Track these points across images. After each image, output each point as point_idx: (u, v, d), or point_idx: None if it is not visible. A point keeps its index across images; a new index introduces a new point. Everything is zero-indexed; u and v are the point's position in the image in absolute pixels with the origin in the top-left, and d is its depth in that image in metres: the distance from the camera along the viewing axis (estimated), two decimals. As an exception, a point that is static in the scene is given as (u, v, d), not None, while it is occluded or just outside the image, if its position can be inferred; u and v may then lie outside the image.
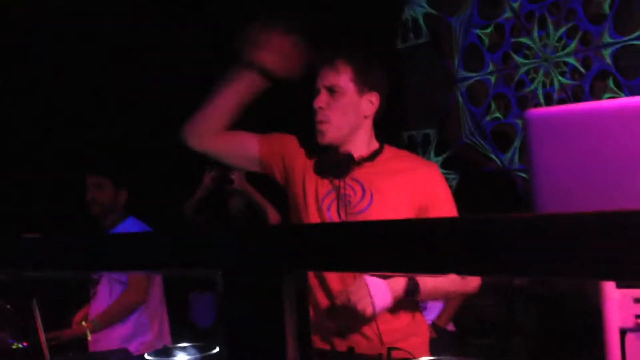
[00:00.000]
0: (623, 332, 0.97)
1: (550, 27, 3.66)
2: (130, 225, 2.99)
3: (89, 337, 2.75)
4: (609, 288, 0.98)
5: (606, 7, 3.41)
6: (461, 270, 0.68)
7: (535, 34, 3.73)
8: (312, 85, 1.81)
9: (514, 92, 3.86)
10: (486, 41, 3.98)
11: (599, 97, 3.46)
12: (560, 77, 3.64)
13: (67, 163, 4.04)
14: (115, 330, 2.85)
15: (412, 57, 4.40)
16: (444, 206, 1.76)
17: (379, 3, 4.40)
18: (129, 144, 4.31)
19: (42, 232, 2.71)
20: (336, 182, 1.79)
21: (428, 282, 1.68)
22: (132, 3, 4.56)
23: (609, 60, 3.42)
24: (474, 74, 4.06)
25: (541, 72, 3.73)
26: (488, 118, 4.01)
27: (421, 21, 4.36)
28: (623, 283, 1.01)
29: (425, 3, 4.33)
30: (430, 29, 4.30)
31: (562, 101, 3.64)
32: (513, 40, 3.84)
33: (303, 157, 1.87)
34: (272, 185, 1.96)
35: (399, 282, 1.64)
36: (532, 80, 3.77)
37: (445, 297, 1.82)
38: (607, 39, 3.42)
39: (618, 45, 3.39)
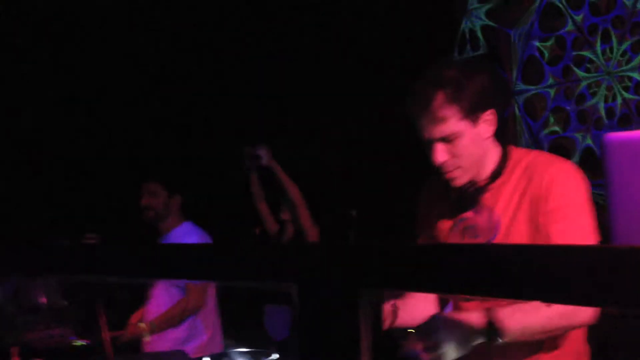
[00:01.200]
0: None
1: (614, 40, 3.58)
2: (185, 230, 3.05)
3: (148, 339, 2.82)
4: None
5: (674, 21, 3.31)
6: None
7: (598, 48, 3.65)
8: (414, 132, 1.67)
9: (574, 106, 3.78)
10: (546, 54, 3.92)
11: (664, 114, 3.36)
12: (623, 92, 3.55)
13: (124, 170, 4.15)
14: (170, 332, 2.91)
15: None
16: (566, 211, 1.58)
17: (436, 15, 4.38)
18: (183, 151, 4.40)
19: (101, 236, 2.79)
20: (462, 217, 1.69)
21: (515, 318, 1.47)
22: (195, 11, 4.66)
23: (675, 76, 3.32)
24: (533, 87, 4.00)
25: (603, 86, 3.64)
26: (546, 131, 3.94)
27: (479, 33, 4.31)
28: None
29: (483, 15, 4.29)
30: (488, 41, 4.25)
31: (624, 116, 3.55)
32: (575, 53, 3.76)
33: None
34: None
35: (472, 319, 1.48)
36: (594, 95, 3.69)
37: (546, 333, 1.51)
38: (674, 53, 3.33)
39: (686, 61, 3.29)
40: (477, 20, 4.32)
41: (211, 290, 3.07)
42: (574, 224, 1.58)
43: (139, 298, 3.07)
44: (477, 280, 0.68)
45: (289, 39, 4.71)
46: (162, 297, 2.96)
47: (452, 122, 1.58)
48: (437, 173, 1.67)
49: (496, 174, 1.67)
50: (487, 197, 1.67)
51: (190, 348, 2.91)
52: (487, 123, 1.64)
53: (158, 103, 4.70)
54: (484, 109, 1.62)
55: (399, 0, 4.45)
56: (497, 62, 4.17)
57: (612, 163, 0.97)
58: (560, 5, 3.83)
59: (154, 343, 2.86)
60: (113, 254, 0.97)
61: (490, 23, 4.23)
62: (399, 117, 4.42)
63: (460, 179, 1.65)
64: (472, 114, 1.59)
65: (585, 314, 1.53)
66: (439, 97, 1.57)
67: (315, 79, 4.67)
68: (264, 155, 3.55)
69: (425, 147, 1.65)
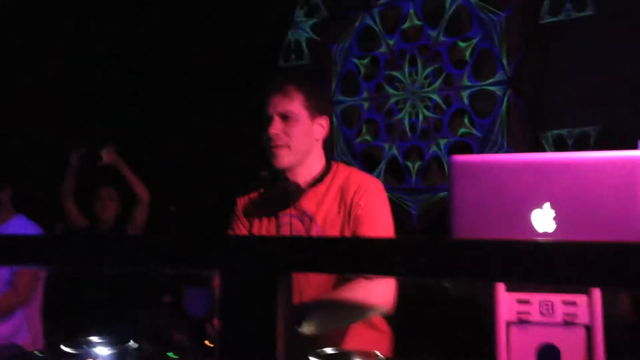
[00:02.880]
0: (508, 325, 1.33)
1: (419, 65, 4.15)
2: (19, 223, 2.98)
3: None
4: (500, 290, 1.34)
5: (467, 54, 3.95)
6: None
7: (406, 70, 4.21)
8: (261, 111, 1.89)
9: (384, 119, 4.31)
10: (362, 70, 4.40)
11: (456, 131, 4.00)
12: (424, 110, 4.14)
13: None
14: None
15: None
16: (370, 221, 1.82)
17: (263, 23, 4.67)
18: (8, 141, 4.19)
19: None
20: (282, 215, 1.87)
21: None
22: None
23: (466, 100, 3.97)
24: (349, 99, 4.47)
25: (408, 103, 4.21)
26: (359, 140, 4.43)
27: (304, 44, 4.69)
28: (510, 286, 1.36)
29: (308, 28, 4.67)
30: (312, 52, 4.65)
31: (424, 131, 4.14)
32: (386, 72, 4.29)
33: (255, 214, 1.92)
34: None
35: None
36: (401, 110, 4.24)
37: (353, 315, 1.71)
38: (466, 82, 3.97)
39: (474, 89, 3.94)
40: (302, 32, 4.70)
41: (40, 287, 3.04)
42: (376, 225, 1.86)
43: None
44: (351, 262, 0.92)
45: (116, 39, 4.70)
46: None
47: (295, 104, 1.85)
48: (267, 146, 1.87)
49: (317, 180, 1.90)
50: (305, 200, 1.88)
51: (17, 341, 2.87)
52: (320, 127, 1.91)
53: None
54: (321, 112, 1.91)
55: (231, 7, 4.67)
56: (320, 73, 4.58)
57: (456, 179, 1.32)
58: (377, 29, 4.34)
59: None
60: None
61: (315, 36, 4.63)
62: (223, 119, 4.63)
63: (284, 158, 1.85)
64: (312, 109, 1.87)
65: (383, 295, 1.75)
66: (292, 83, 1.87)
67: (145, 84, 4.71)
68: (106, 153, 3.62)
69: (264, 125, 1.87)
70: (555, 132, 3.57)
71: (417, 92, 4.17)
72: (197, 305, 1.49)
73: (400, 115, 4.24)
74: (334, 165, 1.95)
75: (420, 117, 4.15)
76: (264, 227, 1.92)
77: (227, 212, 2.12)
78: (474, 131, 3.93)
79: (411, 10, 4.18)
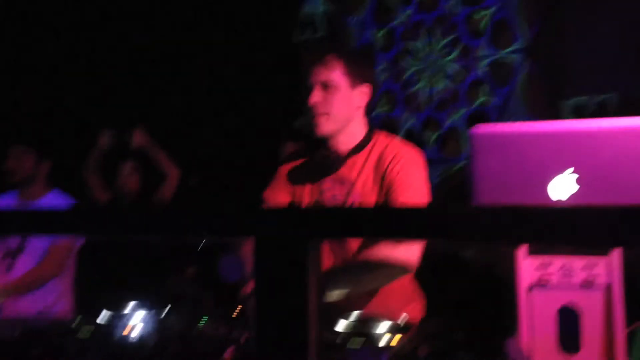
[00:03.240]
0: (529, 289, 1.37)
1: (437, 35, 4.15)
2: (53, 198, 3.05)
3: (1, 301, 2.80)
4: (521, 255, 1.38)
5: (483, 24, 3.94)
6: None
7: (423, 41, 4.21)
8: (305, 82, 1.90)
9: (401, 90, 4.32)
10: (379, 42, 4.40)
11: (474, 101, 4.01)
12: (443, 80, 4.14)
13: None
14: (38, 295, 2.93)
15: (308, 50, 4.73)
16: (404, 192, 1.85)
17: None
18: (54, 114, 4.27)
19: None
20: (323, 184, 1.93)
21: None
22: None
23: (484, 69, 3.97)
24: (367, 71, 4.47)
25: (426, 74, 4.21)
26: (378, 110, 4.45)
27: (319, 17, 4.69)
28: (531, 249, 1.39)
29: (323, 1, 4.67)
30: (327, 25, 4.65)
31: (442, 102, 4.15)
32: (403, 44, 4.29)
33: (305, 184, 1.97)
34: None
35: None
36: (419, 81, 4.25)
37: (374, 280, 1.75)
38: (484, 51, 3.96)
39: (492, 57, 3.94)
40: (317, 4, 4.69)
41: (70, 258, 3.11)
42: (408, 193, 1.88)
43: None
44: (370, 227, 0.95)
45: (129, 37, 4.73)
46: (29, 264, 2.96)
47: (335, 73, 1.85)
48: (309, 115, 1.90)
49: (358, 149, 1.92)
50: (346, 168, 1.91)
51: (56, 311, 2.96)
52: (362, 95, 1.90)
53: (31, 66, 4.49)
54: (362, 80, 1.89)
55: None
56: (336, 45, 4.58)
57: (477, 150, 1.35)
58: (392, 0, 4.33)
59: (19, 306, 2.87)
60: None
61: (330, 9, 4.62)
62: (242, 97, 4.65)
63: (324, 126, 1.86)
64: (352, 77, 1.87)
65: (404, 255, 1.78)
66: (332, 54, 1.88)
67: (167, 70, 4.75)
68: (137, 136, 3.66)
69: (306, 94, 1.88)
70: (575, 100, 3.56)
71: (435, 62, 4.17)
72: (232, 272, 1.55)
73: (418, 86, 4.25)
74: (375, 134, 1.97)
75: (439, 87, 4.15)
76: (307, 193, 1.97)
77: (249, 185, 2.15)
78: (493, 100, 3.94)
79: (427, -19, 4.16)
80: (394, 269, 1.80)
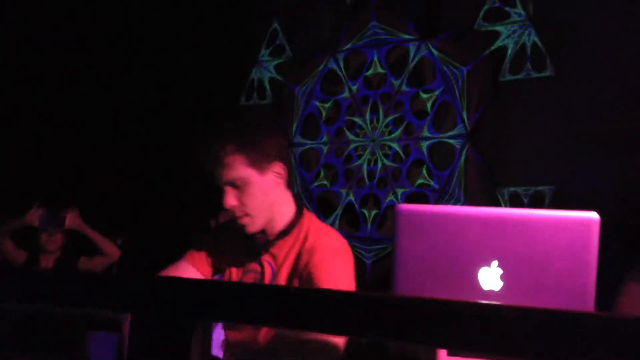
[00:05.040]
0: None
1: (381, 113, 4.14)
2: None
3: None
4: (442, 355, 1.25)
5: (429, 106, 3.95)
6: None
7: (367, 117, 4.19)
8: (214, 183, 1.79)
9: (343, 164, 4.26)
10: (324, 114, 4.37)
11: (413, 182, 3.96)
12: (383, 158, 4.10)
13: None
14: None
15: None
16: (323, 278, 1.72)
17: (229, 61, 4.62)
18: None
19: None
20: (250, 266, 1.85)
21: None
22: None
23: (425, 151, 3.95)
24: (309, 142, 4.41)
25: (368, 150, 4.17)
26: (316, 184, 4.36)
27: (267, 84, 4.65)
28: (452, 352, 1.28)
29: (272, 68, 4.64)
30: (274, 92, 4.60)
31: (382, 179, 4.10)
32: (347, 118, 4.26)
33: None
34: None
35: None
36: (360, 157, 4.20)
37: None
38: (426, 132, 3.96)
39: (434, 140, 3.93)
40: (266, 71, 4.66)
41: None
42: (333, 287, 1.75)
43: None
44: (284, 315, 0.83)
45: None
46: None
47: (239, 170, 1.72)
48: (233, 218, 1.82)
49: (286, 232, 1.81)
50: (274, 251, 1.81)
51: None
52: (275, 175, 1.78)
53: None
54: (270, 160, 1.76)
55: (194, 40, 4.62)
56: (281, 114, 4.52)
57: (401, 230, 1.24)
58: (340, 74, 4.32)
59: None
60: None
61: (278, 77, 4.59)
62: (181, 154, 4.53)
63: (251, 226, 1.77)
64: (258, 164, 1.74)
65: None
66: (227, 147, 1.73)
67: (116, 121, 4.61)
68: (69, 218, 3.59)
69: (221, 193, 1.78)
70: (512, 189, 3.56)
71: (377, 139, 4.14)
72: (102, 352, 1.36)
73: (358, 162, 4.20)
74: (303, 217, 1.85)
75: (379, 165, 4.11)
76: (233, 273, 1.88)
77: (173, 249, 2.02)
78: (432, 182, 3.90)
79: (375, 58, 4.18)
80: (326, 346, 1.66)
